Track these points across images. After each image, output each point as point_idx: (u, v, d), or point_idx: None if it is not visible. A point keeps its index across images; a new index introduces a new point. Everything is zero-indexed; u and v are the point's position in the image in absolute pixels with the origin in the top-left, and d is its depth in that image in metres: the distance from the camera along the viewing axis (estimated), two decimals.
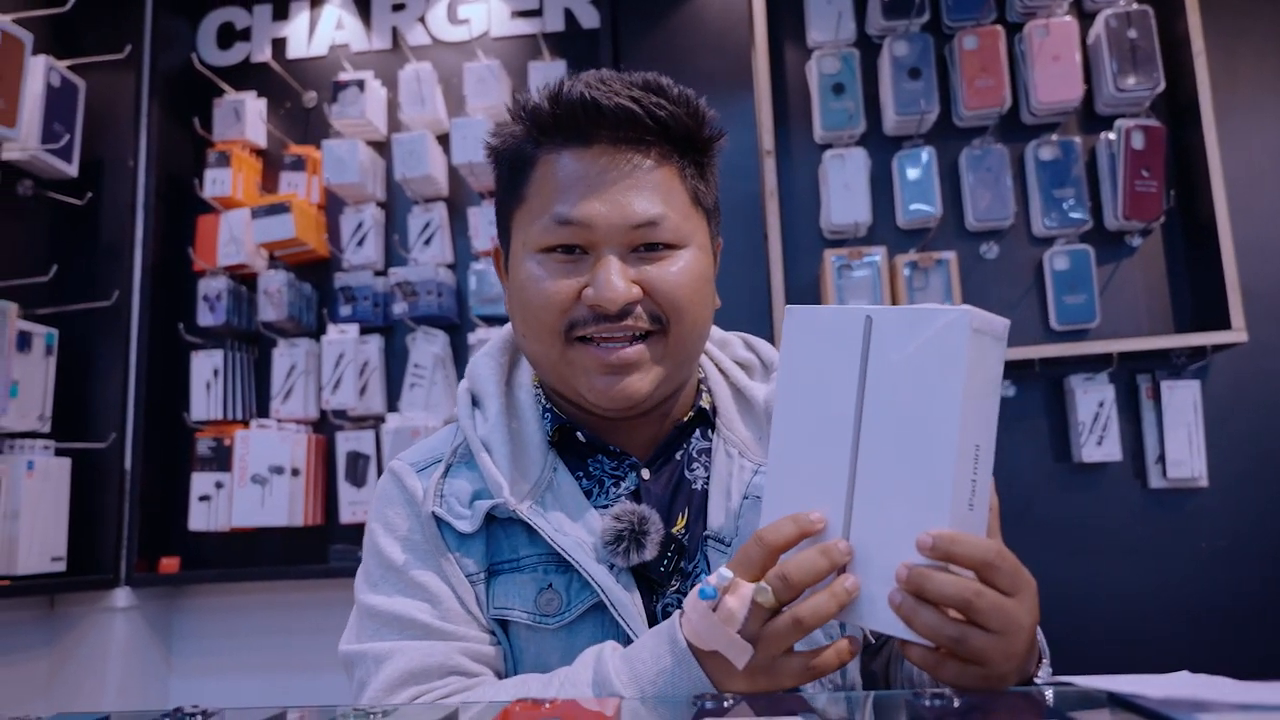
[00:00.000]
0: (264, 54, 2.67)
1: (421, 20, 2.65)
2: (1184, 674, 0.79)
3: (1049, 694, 0.72)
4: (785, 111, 2.46)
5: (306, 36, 2.69)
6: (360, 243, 2.50)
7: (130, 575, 2.35)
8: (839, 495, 0.72)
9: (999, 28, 2.32)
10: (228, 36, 2.72)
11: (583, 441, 0.95)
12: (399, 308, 2.42)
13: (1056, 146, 2.31)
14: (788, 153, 2.44)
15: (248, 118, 2.59)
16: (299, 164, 2.56)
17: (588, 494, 0.93)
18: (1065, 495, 2.24)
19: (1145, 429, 2.22)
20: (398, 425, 2.32)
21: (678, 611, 0.76)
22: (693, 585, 0.87)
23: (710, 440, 0.97)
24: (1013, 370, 2.25)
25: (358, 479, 2.39)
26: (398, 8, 2.66)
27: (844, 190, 2.31)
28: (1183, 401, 2.18)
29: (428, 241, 2.48)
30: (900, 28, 2.36)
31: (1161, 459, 2.19)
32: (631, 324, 0.87)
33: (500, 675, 0.90)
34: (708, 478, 0.95)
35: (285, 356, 2.47)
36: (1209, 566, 2.18)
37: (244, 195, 2.54)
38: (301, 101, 2.68)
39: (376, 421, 2.45)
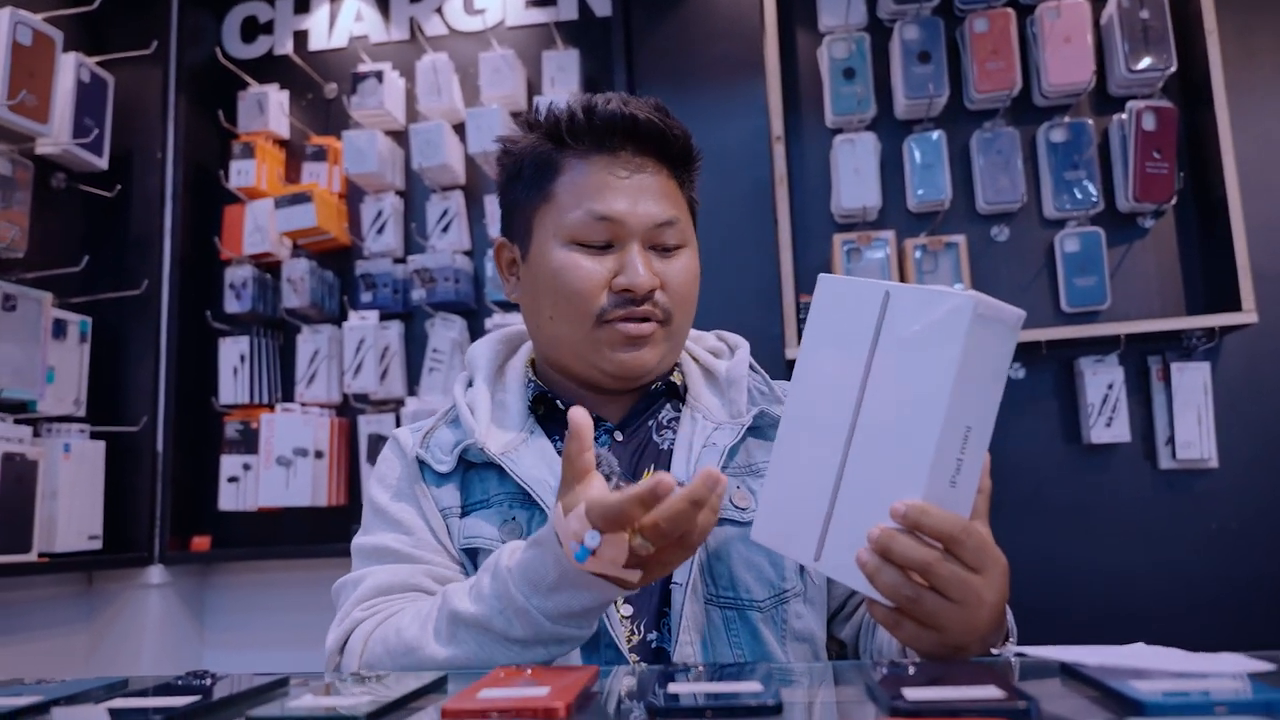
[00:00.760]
0: (286, 47, 2.74)
1: (439, 11, 2.70)
2: (1139, 645, 0.82)
3: (1002, 664, 0.76)
4: (797, 97, 2.48)
5: (327, 29, 2.75)
6: (380, 231, 2.57)
7: (163, 553, 2.46)
8: (835, 457, 0.77)
9: (1010, 10, 2.32)
10: (251, 30, 2.79)
11: (561, 409, 1.05)
12: (418, 294, 2.49)
13: (1068, 128, 2.31)
14: (799, 138, 2.46)
15: (271, 110, 2.67)
16: (320, 154, 2.63)
17: (560, 452, 1.00)
18: (1075, 476, 2.26)
19: (1155, 410, 2.23)
20: (417, 408, 2.40)
21: (552, 529, 0.80)
22: None
23: (679, 412, 1.09)
24: (1023, 352, 2.27)
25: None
26: None
27: (854, 175, 2.33)
28: (1193, 383, 2.18)
29: (445, 229, 2.54)
30: (911, 11, 2.37)
31: (1171, 440, 2.20)
32: (649, 309, 1.00)
33: None
34: (674, 440, 1.05)
35: (309, 342, 2.55)
36: (1218, 547, 2.19)
37: (268, 185, 2.62)
38: (322, 93, 2.75)
39: (397, 405, 2.52)
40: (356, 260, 2.61)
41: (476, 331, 2.53)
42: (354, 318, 2.51)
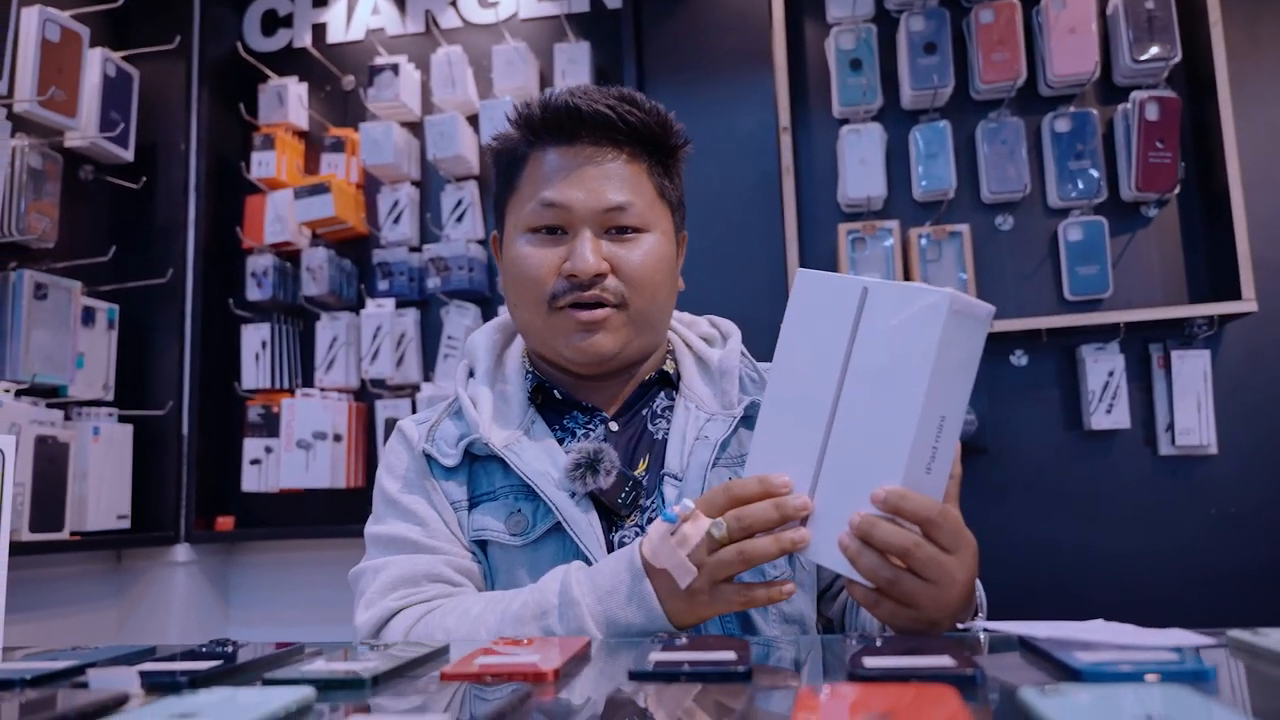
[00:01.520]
0: (305, 40, 2.80)
1: (453, 4, 2.75)
2: (1098, 622, 0.87)
3: (965, 638, 0.80)
4: (804, 88, 2.51)
5: (345, 22, 2.81)
6: (396, 220, 2.63)
7: (189, 532, 2.55)
8: (815, 445, 0.81)
9: (1015, 1, 2.34)
10: (271, 24, 2.86)
11: (559, 399, 1.10)
12: (433, 282, 2.55)
13: (1072, 118, 2.33)
14: (808, 128, 2.50)
15: (290, 102, 2.73)
16: (338, 145, 2.69)
17: (560, 442, 1.07)
18: (1076, 462, 2.30)
19: (1156, 397, 2.26)
20: (432, 394, 2.46)
21: (641, 537, 0.88)
22: (650, 519, 1.01)
23: (674, 400, 1.12)
24: (1025, 340, 2.30)
25: None
26: None
27: (859, 165, 2.37)
28: (1193, 370, 2.21)
29: (460, 219, 2.60)
30: (917, 3, 2.40)
31: (1171, 427, 2.23)
32: (599, 294, 1.02)
33: (480, 588, 1.04)
34: (668, 429, 1.09)
35: (327, 329, 2.62)
36: (1217, 532, 2.22)
37: (287, 176, 2.69)
38: (340, 85, 2.81)
39: (413, 390, 2.59)
40: (373, 249, 2.67)
41: (490, 319, 2.58)
42: (371, 305, 2.58)
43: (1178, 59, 2.25)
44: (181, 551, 2.54)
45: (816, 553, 0.82)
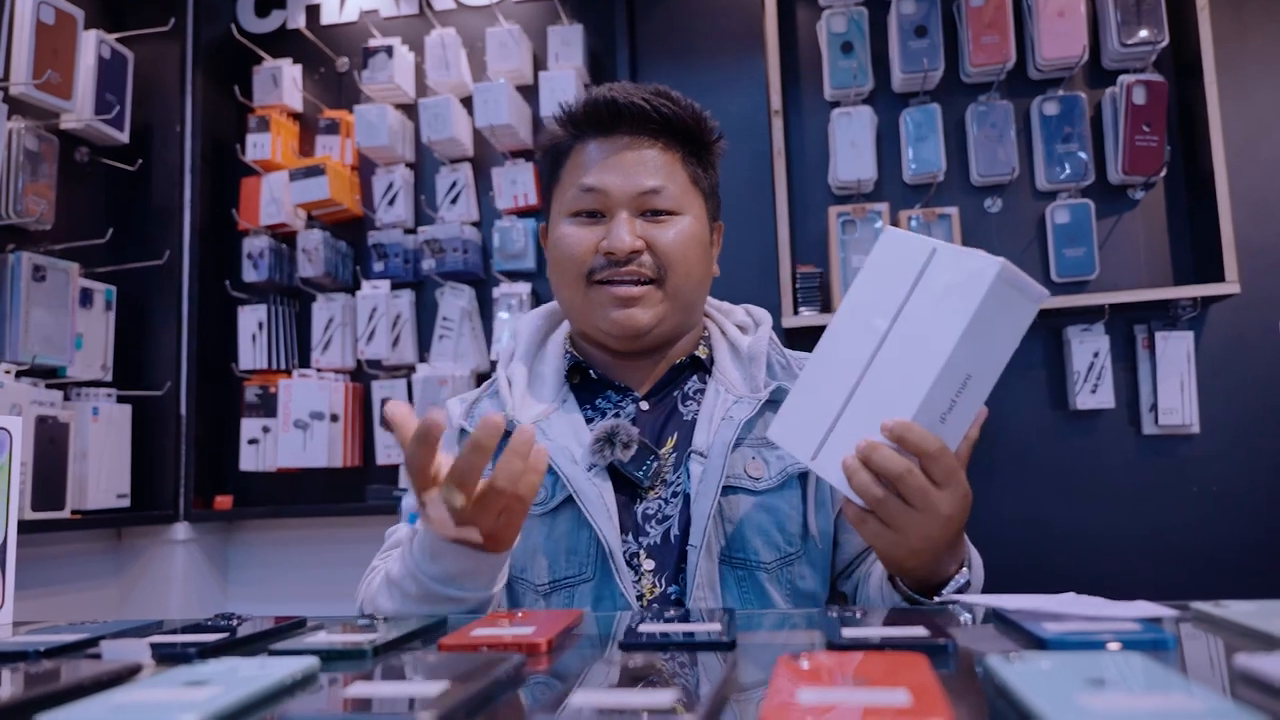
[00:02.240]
0: (299, 21, 2.80)
1: None
2: (1069, 595, 0.90)
3: (941, 611, 0.84)
4: (796, 70, 2.53)
5: (338, 3, 2.81)
6: (391, 202, 2.65)
7: (188, 511, 2.58)
8: (853, 377, 0.89)
9: None
10: (265, 5, 2.85)
11: (594, 378, 1.17)
12: (427, 264, 2.57)
13: (1060, 102, 2.35)
14: (799, 111, 2.52)
15: (285, 84, 2.74)
16: (333, 127, 2.70)
17: (589, 421, 1.14)
18: (1061, 441, 2.33)
19: (1140, 378, 2.30)
20: (427, 375, 2.49)
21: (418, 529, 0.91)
22: (674, 493, 1.07)
23: (705, 384, 1.17)
24: None
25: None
26: None
27: (850, 147, 2.39)
28: (1176, 351, 2.25)
29: (454, 201, 2.62)
30: None
31: (1154, 406, 2.27)
32: (635, 269, 1.09)
33: None
34: (698, 410, 1.14)
35: (323, 310, 2.64)
36: (1198, 509, 2.26)
37: (282, 158, 2.70)
38: (334, 67, 2.81)
39: (408, 371, 2.62)
40: (368, 231, 2.69)
41: (484, 300, 2.61)
42: (367, 287, 2.60)
43: (1165, 43, 2.27)
44: (180, 530, 2.58)
45: (823, 469, 0.89)
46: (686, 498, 1.07)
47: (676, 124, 1.12)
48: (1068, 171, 2.33)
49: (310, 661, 0.62)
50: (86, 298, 2.37)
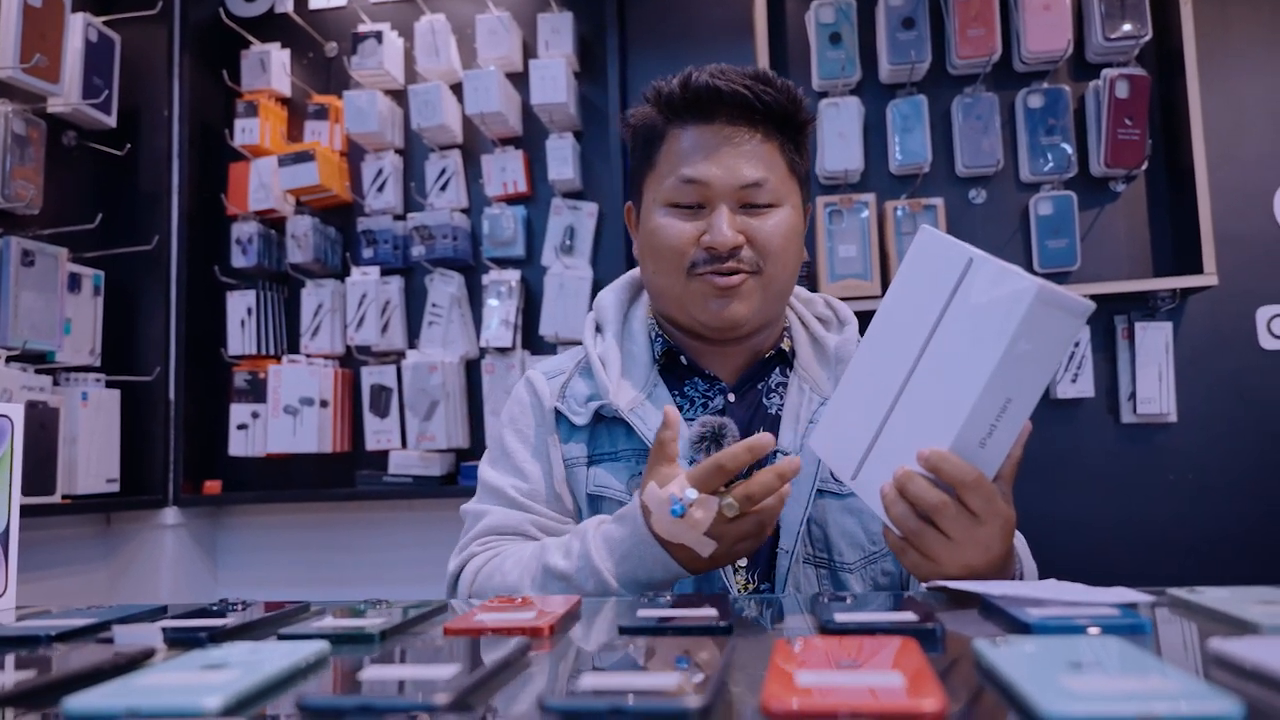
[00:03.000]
0: (287, 5, 2.79)
1: None
2: (1050, 581, 0.93)
3: (930, 598, 0.86)
4: (784, 60, 2.55)
5: None
6: (380, 188, 2.65)
7: (177, 496, 2.59)
8: (891, 393, 0.87)
9: None
10: None
11: (683, 365, 1.17)
12: (417, 250, 2.58)
13: (1045, 94, 2.38)
14: None
15: (273, 68, 2.73)
16: (322, 113, 2.70)
17: (683, 409, 1.14)
18: (1042, 429, 2.35)
19: (1119, 367, 2.34)
20: (417, 361, 2.50)
21: (639, 503, 0.94)
22: None
23: (787, 377, 1.18)
24: None
25: (381, 410, 2.59)
26: None
27: (838, 138, 2.41)
28: (1155, 342, 2.29)
29: (443, 188, 2.62)
30: None
31: (1133, 396, 2.32)
32: (736, 265, 1.08)
33: None
34: (781, 405, 1.15)
35: (312, 296, 2.65)
36: (1175, 496, 2.31)
37: (271, 143, 2.70)
38: (323, 52, 2.81)
39: (398, 357, 2.63)
40: (358, 217, 2.69)
41: (473, 287, 2.63)
42: (356, 273, 2.61)
43: (1148, 37, 2.30)
44: (170, 514, 2.59)
45: (864, 490, 0.89)
46: None
47: (776, 110, 1.10)
48: (1051, 164, 2.36)
49: (321, 645, 0.64)
50: (75, 283, 2.36)
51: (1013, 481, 0.88)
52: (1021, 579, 0.98)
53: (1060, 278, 2.37)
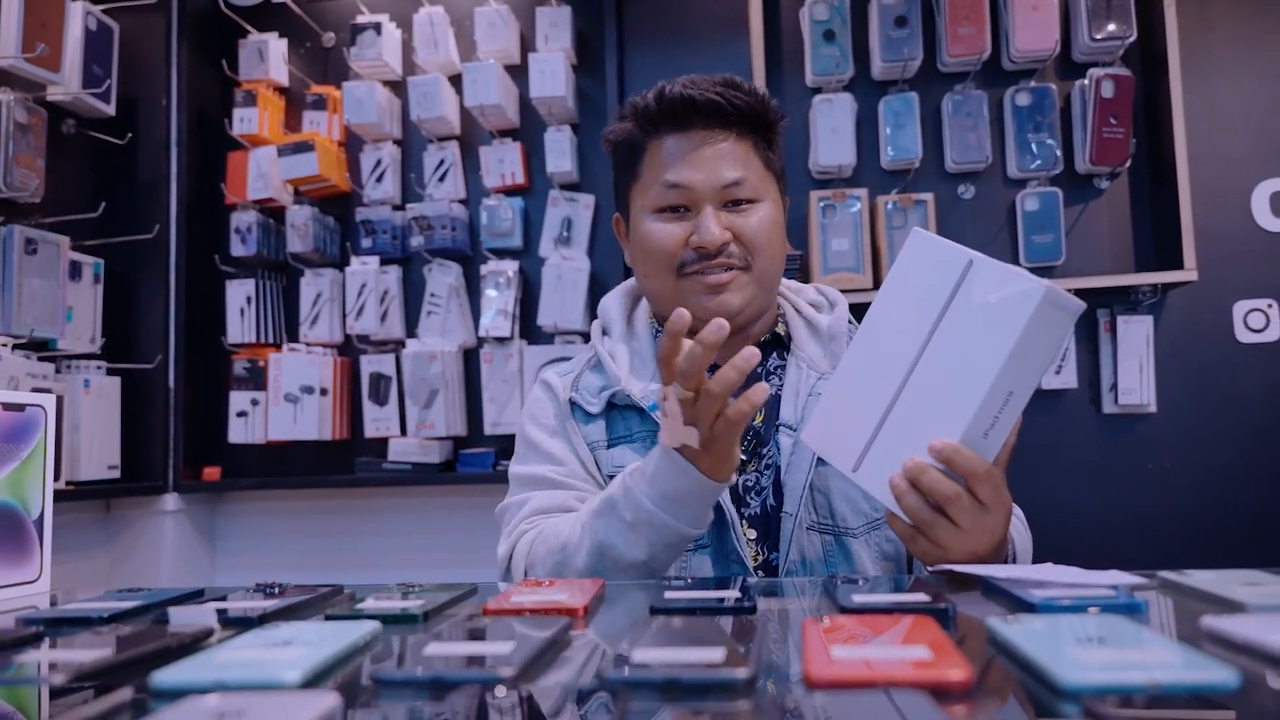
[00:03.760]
0: None
1: None
2: (1047, 565, 0.99)
3: (937, 580, 0.91)
4: (779, 56, 2.59)
5: None
6: (379, 179, 2.68)
7: (177, 482, 2.62)
8: (891, 388, 0.91)
9: None
10: None
11: None
12: (416, 241, 2.61)
13: (1032, 93, 2.43)
14: (780, 96, 2.58)
15: (271, 58, 2.74)
16: (320, 103, 2.72)
17: None
18: (1026, 419, 2.39)
19: (1102, 360, 2.41)
20: (416, 350, 2.53)
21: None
22: (767, 465, 1.16)
23: (784, 360, 1.24)
24: None
25: (380, 398, 2.62)
26: None
27: (831, 134, 2.46)
28: (1136, 335, 2.36)
29: (442, 179, 2.65)
30: None
31: (1114, 387, 2.39)
32: (725, 260, 1.14)
33: None
34: (781, 385, 1.21)
35: (311, 285, 2.67)
36: (1154, 484, 2.39)
37: (269, 133, 2.71)
38: (320, 42, 2.82)
39: (397, 345, 2.66)
40: (357, 207, 2.71)
41: (472, 277, 2.66)
42: (356, 263, 2.63)
43: (1133, 38, 2.36)
44: (170, 501, 2.61)
45: (868, 482, 0.93)
46: (777, 469, 1.15)
47: (747, 112, 1.16)
48: (1038, 161, 2.42)
49: (374, 625, 0.68)
50: (75, 271, 2.37)
51: (1006, 465, 0.94)
52: (1014, 557, 1.03)
53: (1045, 272, 2.43)
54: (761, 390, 0.92)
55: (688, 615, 0.72)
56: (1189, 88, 2.35)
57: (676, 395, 0.91)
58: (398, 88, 2.74)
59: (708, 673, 0.52)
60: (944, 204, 2.48)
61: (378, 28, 2.62)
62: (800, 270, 2.43)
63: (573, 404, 1.22)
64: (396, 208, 2.70)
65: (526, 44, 2.69)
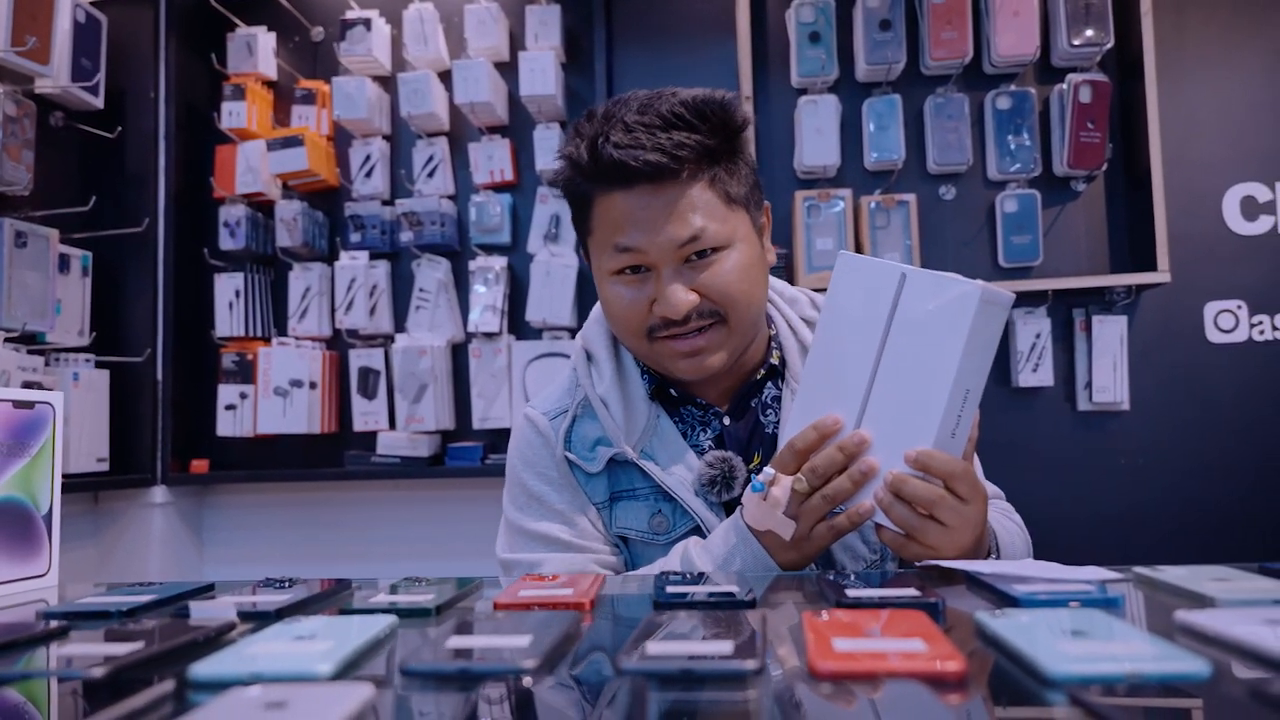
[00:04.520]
0: None
1: None
2: (1028, 560, 1.03)
3: (924, 575, 0.94)
4: (765, 57, 2.62)
5: None
6: (368, 174, 2.69)
7: (165, 475, 2.63)
8: (853, 411, 0.93)
9: None
10: None
11: (675, 396, 1.18)
12: (405, 236, 2.63)
13: (1012, 97, 2.49)
14: (766, 97, 2.61)
15: (259, 51, 2.74)
16: (309, 97, 2.72)
17: (683, 434, 1.17)
18: (1004, 415, 2.50)
19: (1077, 358, 2.47)
20: (405, 345, 2.56)
21: (740, 507, 1.00)
22: None
23: (780, 389, 1.19)
24: None
25: (368, 392, 2.64)
26: None
27: (815, 134, 2.50)
28: (1111, 334, 2.42)
29: (431, 174, 2.67)
30: None
31: (1089, 385, 2.45)
32: (696, 323, 1.06)
33: None
34: (778, 422, 1.16)
35: (300, 279, 2.69)
36: (1126, 479, 2.45)
37: (258, 127, 2.71)
38: (309, 36, 2.82)
39: (385, 340, 2.68)
40: (346, 202, 2.73)
41: (460, 272, 2.68)
42: (345, 257, 2.65)
43: (1110, 44, 2.41)
44: (158, 493, 2.62)
45: (854, 502, 0.95)
46: None
47: (700, 150, 1.03)
48: (1017, 163, 2.47)
49: (391, 619, 0.71)
50: (64, 263, 2.37)
51: (974, 455, 0.97)
52: (997, 545, 1.06)
53: (1023, 272, 2.49)
54: (869, 509, 0.92)
55: (691, 609, 0.75)
56: (1164, 94, 2.41)
57: (797, 485, 0.91)
58: (387, 83, 2.75)
59: (720, 664, 0.55)
60: (925, 204, 2.53)
61: (368, 23, 2.63)
62: (785, 269, 2.47)
63: (569, 462, 1.15)
64: (386, 203, 2.72)
65: (516, 42, 2.70)
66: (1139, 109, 2.39)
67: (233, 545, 2.79)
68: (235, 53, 2.77)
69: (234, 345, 2.69)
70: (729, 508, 1.12)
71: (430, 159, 2.67)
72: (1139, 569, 0.85)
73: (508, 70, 2.68)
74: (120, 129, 2.59)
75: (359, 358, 2.66)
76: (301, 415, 2.57)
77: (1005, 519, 1.22)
